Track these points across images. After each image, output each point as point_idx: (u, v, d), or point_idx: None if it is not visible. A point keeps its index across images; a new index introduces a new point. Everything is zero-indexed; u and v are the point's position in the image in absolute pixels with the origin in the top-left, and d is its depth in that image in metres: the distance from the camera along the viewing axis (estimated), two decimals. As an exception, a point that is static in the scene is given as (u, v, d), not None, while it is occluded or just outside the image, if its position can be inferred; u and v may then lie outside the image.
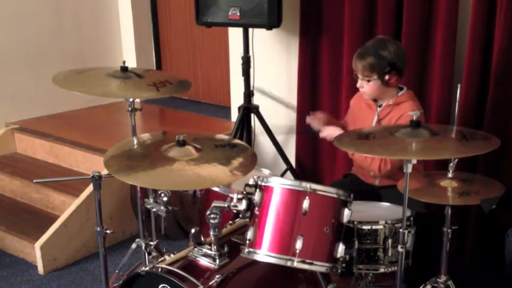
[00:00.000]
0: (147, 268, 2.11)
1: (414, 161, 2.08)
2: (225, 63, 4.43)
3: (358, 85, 2.72)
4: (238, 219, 2.35)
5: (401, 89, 2.75)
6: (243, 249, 2.10)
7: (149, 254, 2.64)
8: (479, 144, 2.17)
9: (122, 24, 4.98)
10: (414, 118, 2.19)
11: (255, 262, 2.10)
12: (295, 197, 2.06)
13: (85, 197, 3.44)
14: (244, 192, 2.12)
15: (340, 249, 2.09)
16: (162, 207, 2.45)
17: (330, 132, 2.79)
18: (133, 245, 2.72)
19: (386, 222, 2.28)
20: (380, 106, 2.76)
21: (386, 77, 2.64)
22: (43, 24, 4.47)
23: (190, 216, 2.81)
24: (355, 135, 2.30)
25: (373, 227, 2.28)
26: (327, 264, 2.08)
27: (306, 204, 2.02)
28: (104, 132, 4.22)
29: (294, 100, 3.77)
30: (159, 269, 2.08)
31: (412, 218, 2.31)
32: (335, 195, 2.09)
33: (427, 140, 2.14)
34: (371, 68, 2.62)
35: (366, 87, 2.69)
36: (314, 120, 2.93)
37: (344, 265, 2.15)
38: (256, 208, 2.09)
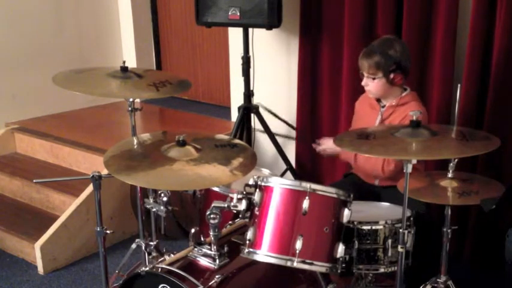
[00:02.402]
0: (147, 268, 2.11)
1: (414, 161, 2.08)
2: (225, 63, 4.43)
3: (363, 83, 2.73)
4: (238, 219, 2.35)
5: (405, 89, 2.76)
6: (243, 249, 2.09)
7: (149, 254, 2.64)
8: (479, 144, 2.17)
9: (122, 24, 4.98)
10: (414, 118, 2.19)
11: (255, 262, 2.10)
12: (295, 197, 2.06)
13: (85, 197, 3.44)
14: (244, 192, 2.12)
15: (340, 249, 2.09)
16: (162, 207, 2.46)
17: (327, 143, 2.91)
18: (133, 245, 2.72)
19: (386, 222, 2.28)
20: (383, 107, 2.77)
21: (392, 76, 2.65)
22: (43, 24, 4.47)
23: (190, 216, 2.81)
24: (355, 135, 2.30)
25: (373, 227, 2.27)
26: (326, 265, 2.08)
27: (305, 204, 2.02)
28: (104, 132, 4.21)
29: (293, 100, 3.77)
30: (159, 269, 2.08)
31: (412, 218, 2.31)
32: (335, 195, 2.09)
33: (427, 140, 2.14)
34: (377, 66, 2.64)
35: (371, 85, 2.70)
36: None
37: (344, 265, 2.14)
38: (256, 208, 2.09)
